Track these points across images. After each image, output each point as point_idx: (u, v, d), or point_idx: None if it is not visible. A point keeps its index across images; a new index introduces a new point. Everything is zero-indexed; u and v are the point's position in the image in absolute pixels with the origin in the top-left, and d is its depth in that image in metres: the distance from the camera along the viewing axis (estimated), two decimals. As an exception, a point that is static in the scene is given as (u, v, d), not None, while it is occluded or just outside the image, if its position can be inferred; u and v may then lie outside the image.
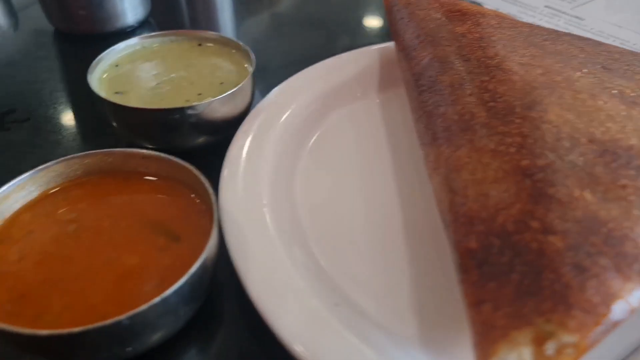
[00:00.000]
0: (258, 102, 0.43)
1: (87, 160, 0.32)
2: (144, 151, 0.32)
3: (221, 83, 0.42)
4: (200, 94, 0.40)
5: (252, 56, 0.43)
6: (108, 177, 0.33)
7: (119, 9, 0.58)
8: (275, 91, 0.44)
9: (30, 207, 0.30)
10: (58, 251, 0.28)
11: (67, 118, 0.48)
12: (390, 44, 0.50)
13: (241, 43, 0.44)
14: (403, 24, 0.46)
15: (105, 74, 0.42)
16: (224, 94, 0.39)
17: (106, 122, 0.41)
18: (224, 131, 0.41)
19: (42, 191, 0.31)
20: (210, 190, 0.29)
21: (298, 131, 0.42)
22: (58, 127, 0.47)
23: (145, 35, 0.46)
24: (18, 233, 0.29)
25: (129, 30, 0.60)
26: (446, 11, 0.45)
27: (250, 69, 0.42)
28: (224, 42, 0.46)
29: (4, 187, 0.29)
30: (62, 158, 0.31)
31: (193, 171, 0.30)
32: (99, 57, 0.42)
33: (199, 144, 0.41)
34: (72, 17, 0.57)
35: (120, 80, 0.42)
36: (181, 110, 0.37)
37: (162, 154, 0.32)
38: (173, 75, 0.43)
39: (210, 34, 0.46)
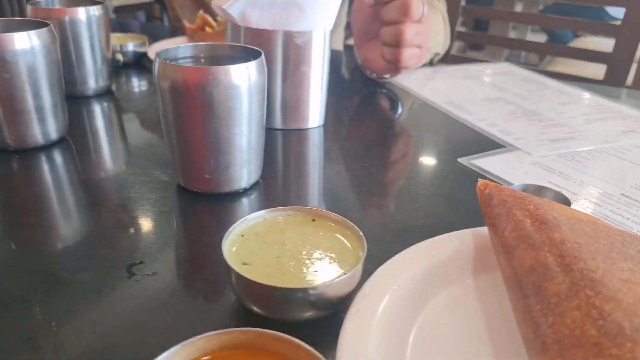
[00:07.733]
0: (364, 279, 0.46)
1: (224, 337, 0.36)
2: (275, 333, 0.35)
3: (334, 262, 0.46)
4: (316, 271, 0.44)
5: (364, 242, 0.47)
6: (239, 353, 0.36)
7: (238, 175, 0.66)
8: (379, 274, 0.47)
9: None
10: None
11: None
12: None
13: (355, 227, 0.49)
14: (501, 221, 0.50)
15: (234, 245, 0.48)
16: (342, 277, 0.42)
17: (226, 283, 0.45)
18: (334, 308, 0.44)
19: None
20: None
21: (401, 317, 0.45)
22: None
23: (270, 209, 0.52)
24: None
25: (241, 191, 0.68)
26: (539, 214, 0.48)
27: (362, 255, 0.46)
28: (337, 221, 0.51)
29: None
30: (203, 335, 0.35)
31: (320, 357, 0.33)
32: (232, 227, 0.48)
33: (308, 317, 0.44)
34: (197, 179, 0.66)
35: (247, 251, 0.47)
36: (304, 290, 0.41)
37: (292, 339, 0.35)
38: (292, 249, 0.47)
39: (326, 212, 0.52)
